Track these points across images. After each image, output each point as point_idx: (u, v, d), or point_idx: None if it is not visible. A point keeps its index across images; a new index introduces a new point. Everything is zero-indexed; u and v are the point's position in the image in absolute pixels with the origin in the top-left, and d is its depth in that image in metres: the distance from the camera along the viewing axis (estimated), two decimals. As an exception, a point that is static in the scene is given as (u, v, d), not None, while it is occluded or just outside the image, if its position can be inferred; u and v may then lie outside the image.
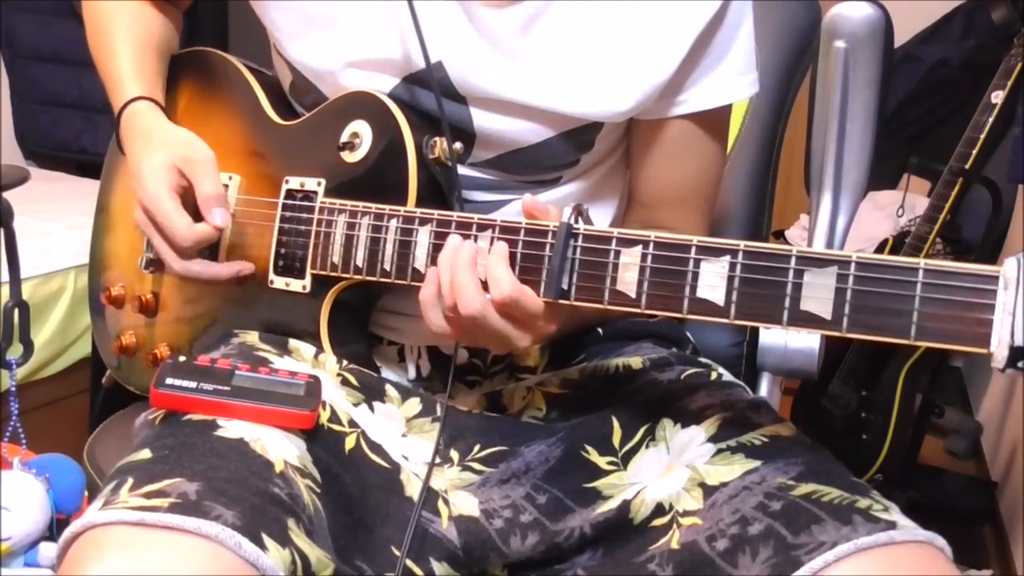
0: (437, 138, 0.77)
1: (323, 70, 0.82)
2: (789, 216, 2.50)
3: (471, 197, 0.83)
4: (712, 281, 0.61)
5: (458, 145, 0.78)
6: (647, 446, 0.75)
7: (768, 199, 1.20)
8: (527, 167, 0.83)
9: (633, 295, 0.64)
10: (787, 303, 0.59)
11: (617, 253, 0.65)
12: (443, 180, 0.78)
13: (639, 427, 0.76)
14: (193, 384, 0.67)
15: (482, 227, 0.70)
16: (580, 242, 0.66)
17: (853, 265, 0.57)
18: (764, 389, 1.07)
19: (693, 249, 0.62)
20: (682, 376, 0.81)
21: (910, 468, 1.99)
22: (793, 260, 0.59)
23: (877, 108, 1.16)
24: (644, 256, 0.64)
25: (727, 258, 0.61)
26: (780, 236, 2.45)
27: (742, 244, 0.61)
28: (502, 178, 0.84)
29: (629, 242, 0.65)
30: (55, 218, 1.98)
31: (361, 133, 0.79)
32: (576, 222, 0.67)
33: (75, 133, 2.47)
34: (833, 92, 1.12)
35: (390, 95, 0.79)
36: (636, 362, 0.84)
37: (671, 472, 0.71)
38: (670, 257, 0.63)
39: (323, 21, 0.80)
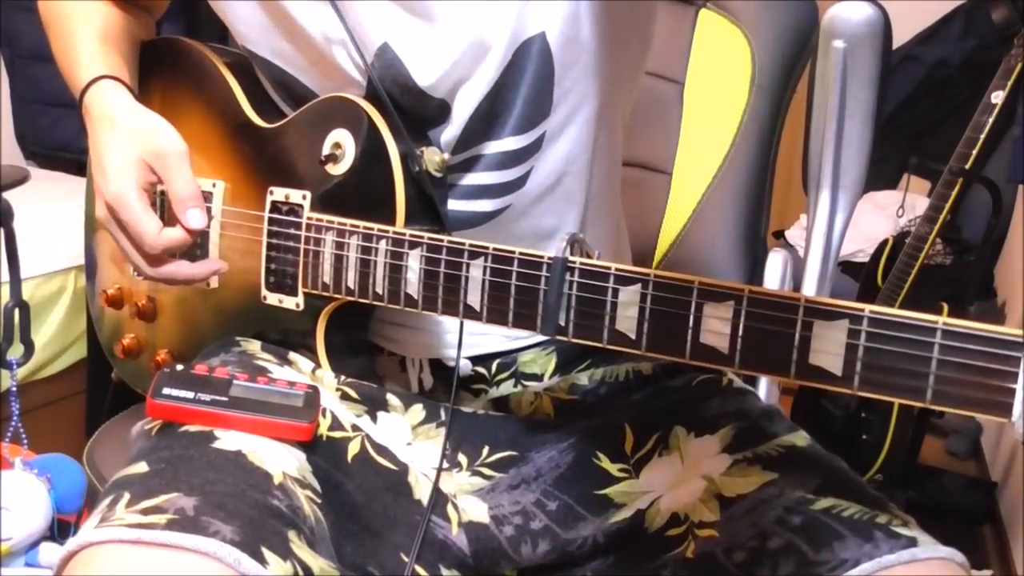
0: (424, 149, 0.74)
1: (302, 56, 0.77)
2: (789, 216, 2.49)
3: (461, 207, 0.78)
4: (716, 327, 0.58)
5: (446, 155, 0.75)
6: (660, 454, 0.74)
7: (766, 199, 1.20)
8: (499, 122, 0.75)
9: (633, 336, 0.61)
10: (795, 356, 0.55)
11: (616, 291, 0.62)
12: (432, 192, 0.75)
13: (651, 434, 0.75)
14: (190, 394, 0.66)
15: (474, 254, 0.67)
16: (576, 276, 0.63)
17: (866, 320, 0.53)
18: (763, 387, 1.06)
19: (695, 292, 0.59)
20: (693, 382, 0.80)
21: (910, 468, 1.99)
22: (801, 311, 0.55)
23: (875, 108, 1.16)
24: (643, 296, 0.61)
25: (731, 303, 0.58)
26: (780, 236, 2.45)
27: (746, 289, 0.57)
28: (489, 178, 0.78)
29: (626, 280, 0.61)
30: (55, 218, 1.97)
31: (343, 143, 0.75)
32: (572, 254, 0.63)
33: (75, 133, 2.46)
34: (831, 92, 1.12)
35: (368, 87, 0.75)
36: (646, 368, 0.82)
37: (686, 482, 0.70)
38: (670, 299, 0.60)
39: (280, 15, 0.76)
